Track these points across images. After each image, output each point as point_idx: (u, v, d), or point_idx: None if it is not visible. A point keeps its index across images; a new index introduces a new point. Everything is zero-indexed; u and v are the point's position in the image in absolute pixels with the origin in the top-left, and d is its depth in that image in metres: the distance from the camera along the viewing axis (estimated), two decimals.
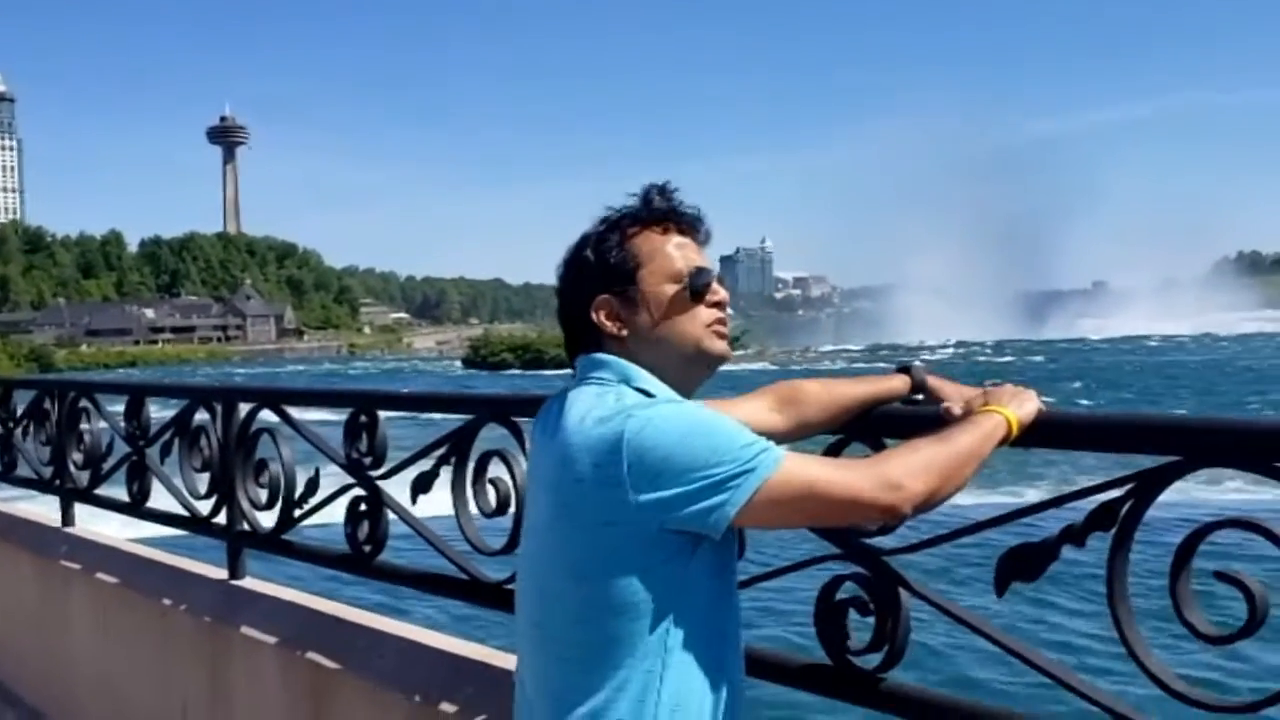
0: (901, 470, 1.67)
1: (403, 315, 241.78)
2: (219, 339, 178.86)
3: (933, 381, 2.12)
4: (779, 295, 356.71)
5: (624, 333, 1.79)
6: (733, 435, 1.64)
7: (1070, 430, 1.96)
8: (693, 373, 1.83)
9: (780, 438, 2.09)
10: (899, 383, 2.14)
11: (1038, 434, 1.88)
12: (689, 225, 1.85)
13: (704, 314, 1.81)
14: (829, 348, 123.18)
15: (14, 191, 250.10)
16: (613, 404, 1.67)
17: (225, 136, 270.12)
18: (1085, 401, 45.26)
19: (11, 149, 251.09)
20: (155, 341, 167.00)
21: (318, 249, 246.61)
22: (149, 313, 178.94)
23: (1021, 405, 1.88)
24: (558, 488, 1.70)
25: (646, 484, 1.60)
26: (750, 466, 1.61)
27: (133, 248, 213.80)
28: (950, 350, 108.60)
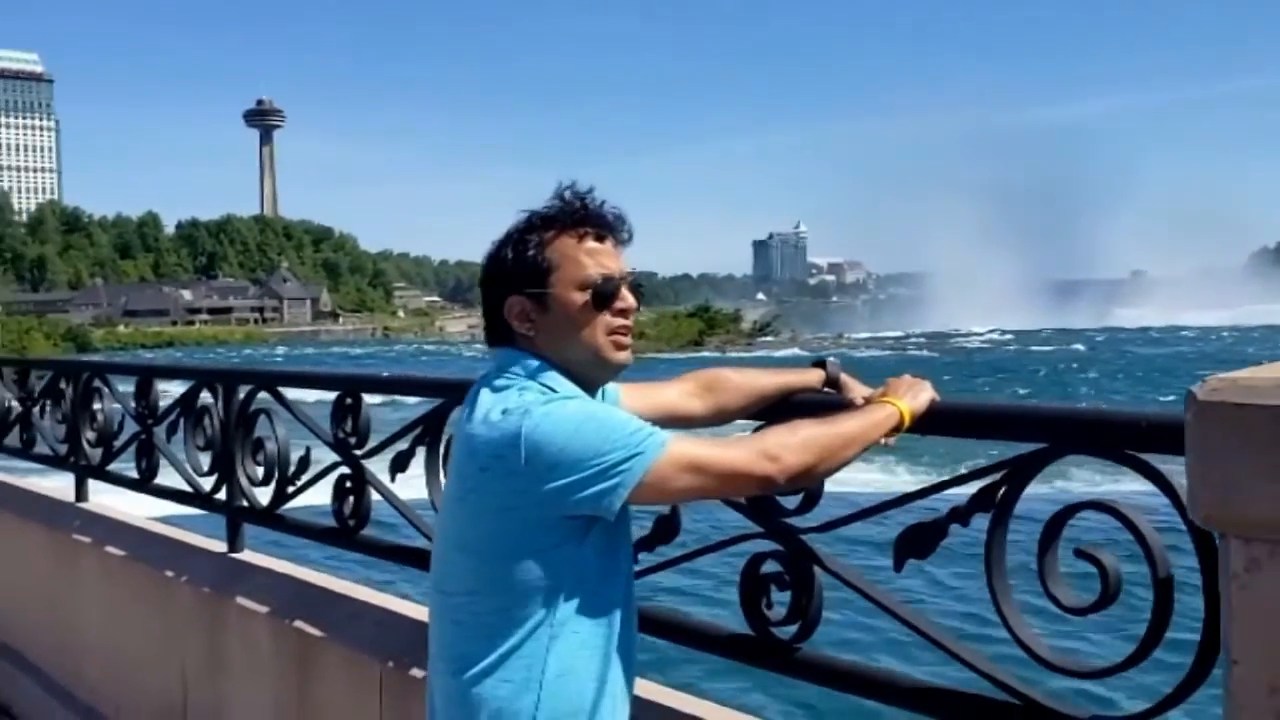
0: (777, 444, 1.84)
1: (435, 299, 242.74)
2: (256, 320, 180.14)
3: (845, 378, 2.32)
4: (813, 281, 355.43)
5: (532, 333, 1.92)
6: (621, 424, 1.80)
7: (953, 419, 2.12)
8: (594, 375, 1.96)
9: (700, 422, 2.28)
10: (814, 376, 2.33)
11: (926, 423, 2.04)
12: (607, 229, 1.96)
13: (607, 322, 1.92)
14: (863, 335, 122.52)
15: (51, 172, 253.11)
16: (515, 399, 1.82)
17: (262, 119, 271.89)
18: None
19: (49, 130, 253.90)
20: (192, 323, 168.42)
21: (354, 233, 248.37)
22: (186, 294, 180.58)
23: (915, 397, 2.06)
24: (462, 475, 1.87)
25: (544, 474, 1.75)
26: (639, 450, 1.77)
27: (169, 229, 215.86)
28: (985, 337, 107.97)
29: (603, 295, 1.92)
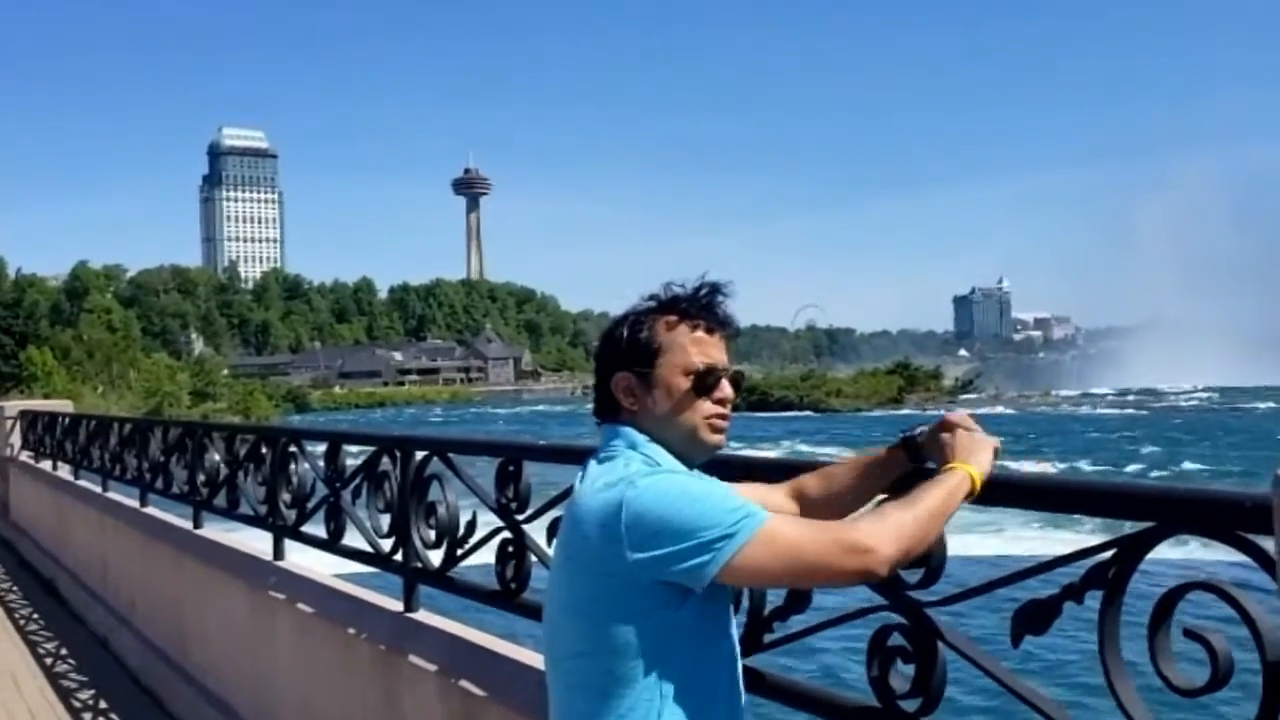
0: (869, 537, 1.86)
1: None
2: (462, 380, 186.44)
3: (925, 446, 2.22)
4: (1018, 337, 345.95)
5: (635, 408, 2.07)
6: (719, 501, 1.88)
7: (1066, 497, 2.13)
8: (690, 453, 2.08)
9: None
10: (900, 456, 2.26)
11: (1042, 500, 2.06)
12: (718, 324, 2.10)
13: (705, 407, 2.06)
14: (1072, 392, 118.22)
15: (275, 242, 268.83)
16: (620, 471, 1.95)
17: (469, 188, 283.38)
18: None
19: (273, 202, 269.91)
20: (402, 383, 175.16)
21: (555, 293, 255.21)
22: (397, 355, 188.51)
23: (980, 460, 2.06)
24: (569, 542, 1.99)
25: (641, 543, 1.85)
26: (732, 531, 1.84)
27: (382, 294, 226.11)
28: (1198, 394, 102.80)
29: (703, 383, 2.05)
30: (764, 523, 1.86)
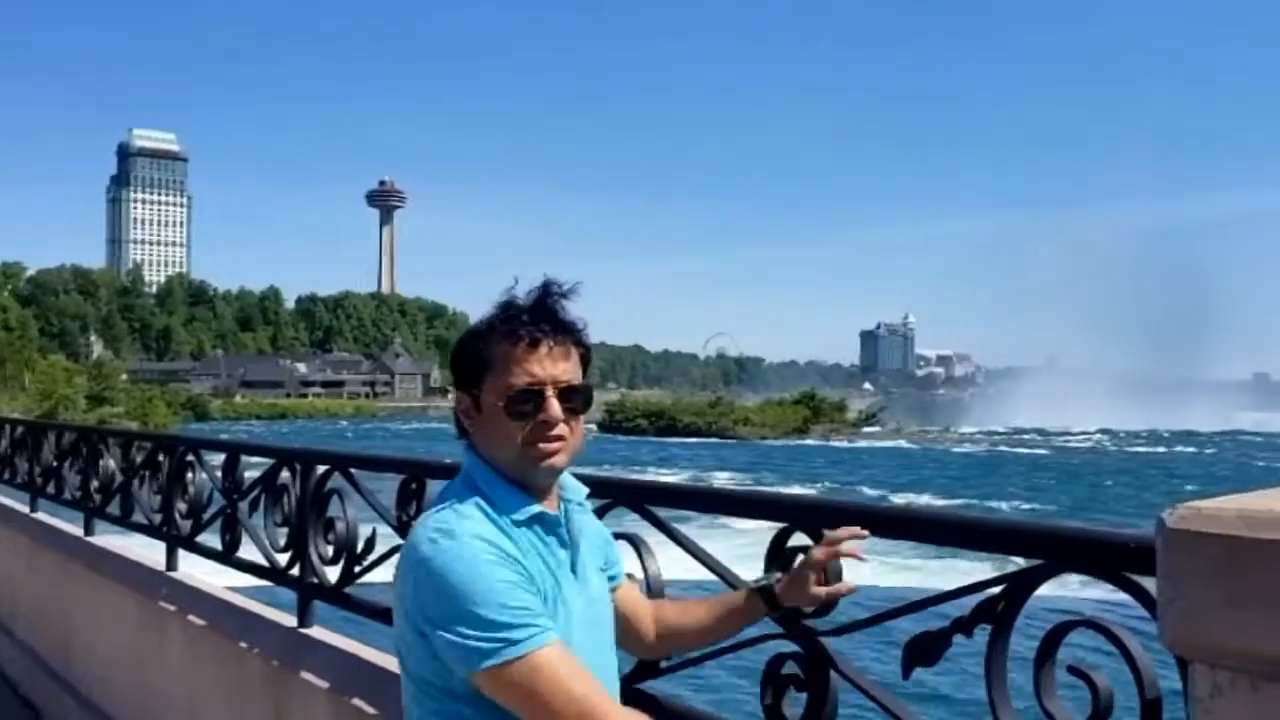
0: None
1: None
2: (367, 395, 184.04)
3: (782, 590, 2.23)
4: (920, 372, 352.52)
5: (472, 429, 1.99)
6: (494, 608, 1.77)
7: (956, 531, 2.17)
8: (524, 477, 1.94)
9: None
10: (758, 602, 2.25)
11: (934, 535, 2.10)
12: (543, 334, 1.93)
13: (525, 432, 1.91)
14: (970, 429, 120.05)
15: (181, 246, 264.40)
16: (438, 516, 1.87)
17: (383, 200, 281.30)
18: None
19: (182, 205, 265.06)
20: (305, 395, 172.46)
21: (467, 310, 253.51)
22: (301, 367, 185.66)
23: None
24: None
25: (419, 609, 1.80)
26: (486, 651, 1.75)
27: (290, 304, 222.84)
28: (1093, 436, 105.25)
29: (517, 407, 1.92)
30: (529, 653, 1.77)
